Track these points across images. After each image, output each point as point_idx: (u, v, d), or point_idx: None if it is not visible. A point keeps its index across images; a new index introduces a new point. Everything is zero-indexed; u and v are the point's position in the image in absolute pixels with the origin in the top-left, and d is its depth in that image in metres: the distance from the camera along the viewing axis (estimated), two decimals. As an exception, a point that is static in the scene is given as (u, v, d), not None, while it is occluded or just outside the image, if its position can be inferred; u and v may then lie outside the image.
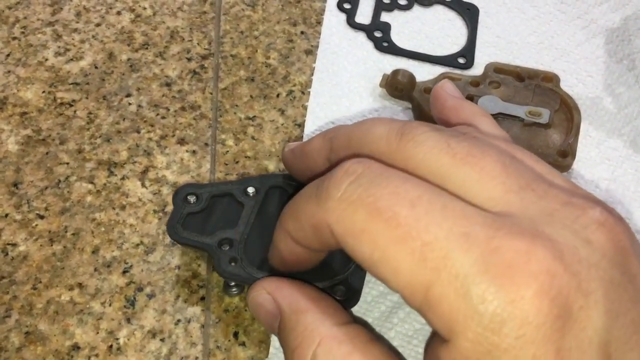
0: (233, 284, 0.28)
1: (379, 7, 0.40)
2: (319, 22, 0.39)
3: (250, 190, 0.28)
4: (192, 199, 0.27)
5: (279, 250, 0.23)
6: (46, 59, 0.36)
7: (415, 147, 0.19)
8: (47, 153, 0.32)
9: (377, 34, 0.39)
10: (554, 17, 0.41)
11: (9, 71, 0.35)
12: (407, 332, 0.27)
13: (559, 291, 0.15)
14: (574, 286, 0.16)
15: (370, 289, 0.28)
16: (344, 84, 0.36)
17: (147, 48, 0.37)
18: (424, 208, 0.17)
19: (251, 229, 0.27)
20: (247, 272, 0.25)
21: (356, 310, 0.28)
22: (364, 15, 0.40)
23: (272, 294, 0.22)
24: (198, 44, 0.38)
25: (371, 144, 0.21)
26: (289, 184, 0.28)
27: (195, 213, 0.27)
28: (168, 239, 0.30)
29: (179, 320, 0.28)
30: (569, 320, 0.15)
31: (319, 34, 0.39)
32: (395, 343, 0.27)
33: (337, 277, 0.25)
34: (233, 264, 0.26)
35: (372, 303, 0.28)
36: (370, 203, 0.17)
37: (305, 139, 0.34)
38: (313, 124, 0.34)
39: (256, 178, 0.28)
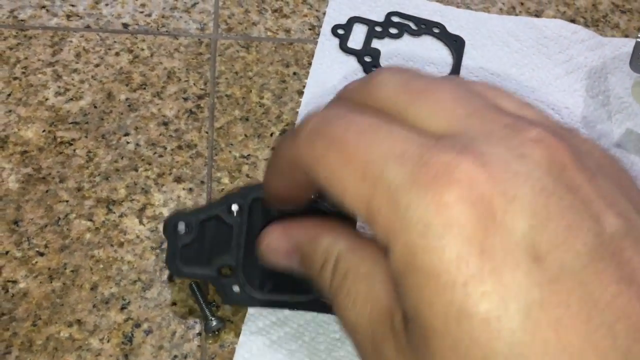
0: (214, 320, 0.29)
1: (370, 34, 0.43)
2: (311, 63, 0.41)
3: (234, 207, 0.29)
4: (181, 227, 0.28)
5: (268, 189, 0.25)
6: (46, 99, 0.37)
7: (379, 89, 0.21)
8: (47, 191, 0.33)
9: (367, 59, 0.41)
10: (537, 51, 0.43)
11: (10, 110, 0.36)
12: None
13: (481, 196, 0.16)
14: (498, 192, 0.16)
15: None
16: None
17: (144, 88, 0.38)
18: (370, 135, 0.19)
19: (245, 252, 0.28)
20: (250, 297, 0.28)
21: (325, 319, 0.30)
22: (356, 41, 0.42)
23: (285, 235, 0.24)
24: (194, 84, 0.39)
25: (348, 91, 0.23)
26: None
27: (189, 244, 0.28)
28: (165, 276, 0.31)
29: (175, 356, 0.29)
30: (494, 223, 0.16)
31: (311, 74, 0.40)
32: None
33: None
34: (237, 289, 0.28)
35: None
36: (327, 133, 0.20)
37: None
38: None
39: (237, 194, 0.29)
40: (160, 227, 0.32)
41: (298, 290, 0.28)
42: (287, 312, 0.30)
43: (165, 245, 0.32)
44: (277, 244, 0.24)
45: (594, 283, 0.16)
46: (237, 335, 0.29)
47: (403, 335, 0.18)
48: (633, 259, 0.17)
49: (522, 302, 0.16)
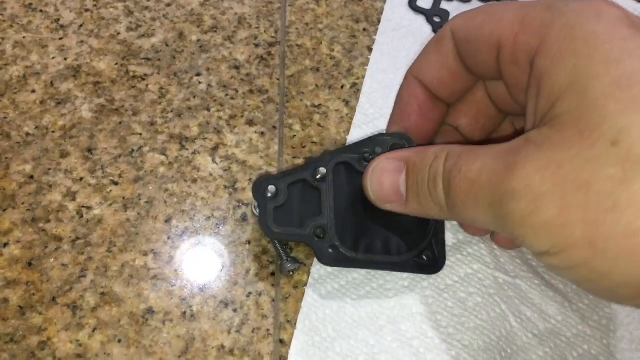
0: (289, 261, 0.29)
1: (440, -4, 0.42)
2: (380, 21, 0.40)
3: (322, 171, 0.28)
4: (271, 190, 0.28)
5: (400, 100, 0.28)
6: (118, 33, 0.36)
7: None
8: (120, 123, 0.32)
9: (436, 19, 0.41)
10: None
11: (82, 41, 0.35)
12: (439, 286, 0.29)
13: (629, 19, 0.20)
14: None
15: None
16: (401, 57, 0.38)
17: (215, 31, 0.38)
18: None
19: (335, 214, 0.28)
20: (347, 257, 0.28)
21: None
22: (425, 1, 0.42)
23: (393, 157, 0.25)
24: (265, 31, 0.38)
25: None
26: (350, 157, 0.28)
27: (280, 207, 0.28)
28: (239, 215, 0.30)
29: (250, 293, 0.28)
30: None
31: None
32: (427, 293, 0.29)
33: (421, 246, 0.28)
34: (331, 250, 0.27)
35: None
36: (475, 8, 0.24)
37: (360, 100, 0.36)
38: (370, 88, 0.37)
39: (319, 158, 0.29)
40: (233, 167, 0.32)
41: (390, 252, 0.28)
42: None
43: (238, 185, 0.31)
44: (385, 164, 0.25)
45: None
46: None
47: (545, 127, 0.19)
48: None
49: None
